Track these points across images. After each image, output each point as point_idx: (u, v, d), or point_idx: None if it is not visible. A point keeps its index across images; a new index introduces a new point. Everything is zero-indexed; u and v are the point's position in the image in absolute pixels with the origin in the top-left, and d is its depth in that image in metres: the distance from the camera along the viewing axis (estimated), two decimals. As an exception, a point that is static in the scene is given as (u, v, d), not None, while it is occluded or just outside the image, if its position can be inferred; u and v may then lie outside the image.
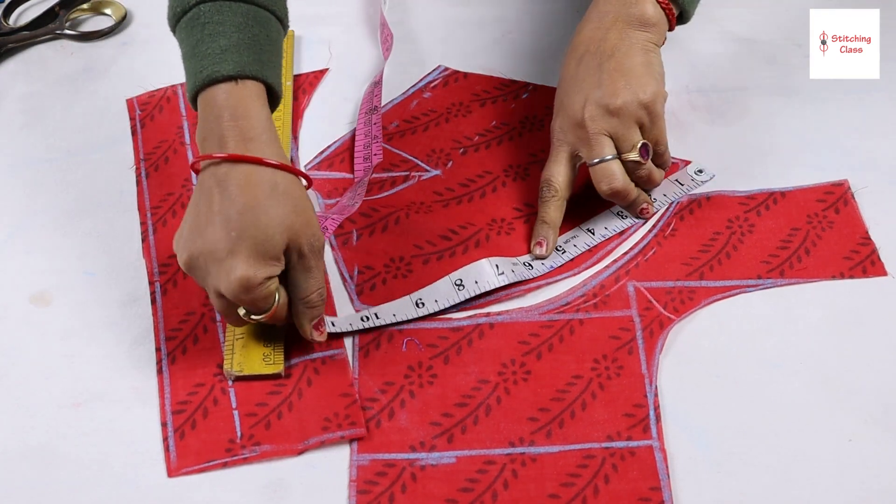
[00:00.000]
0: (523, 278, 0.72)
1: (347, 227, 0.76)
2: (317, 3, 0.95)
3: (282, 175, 0.63)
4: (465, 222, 0.76)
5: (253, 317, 0.64)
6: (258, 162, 0.63)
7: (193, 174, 0.76)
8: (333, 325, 0.68)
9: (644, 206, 0.74)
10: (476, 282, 0.70)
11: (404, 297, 0.70)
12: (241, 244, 0.61)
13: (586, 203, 0.75)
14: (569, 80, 0.74)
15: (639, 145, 0.72)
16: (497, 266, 0.71)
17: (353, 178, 0.79)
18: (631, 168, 0.73)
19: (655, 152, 0.74)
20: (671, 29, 0.75)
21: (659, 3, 0.73)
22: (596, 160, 0.72)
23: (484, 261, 0.72)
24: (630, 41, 0.72)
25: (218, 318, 0.69)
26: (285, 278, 0.65)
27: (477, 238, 0.75)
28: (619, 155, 0.72)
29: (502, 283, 0.71)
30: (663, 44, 0.75)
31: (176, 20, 0.68)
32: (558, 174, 0.74)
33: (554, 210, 0.74)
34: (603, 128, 0.71)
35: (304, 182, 0.66)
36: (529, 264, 0.72)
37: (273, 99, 0.67)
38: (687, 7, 0.74)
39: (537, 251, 0.73)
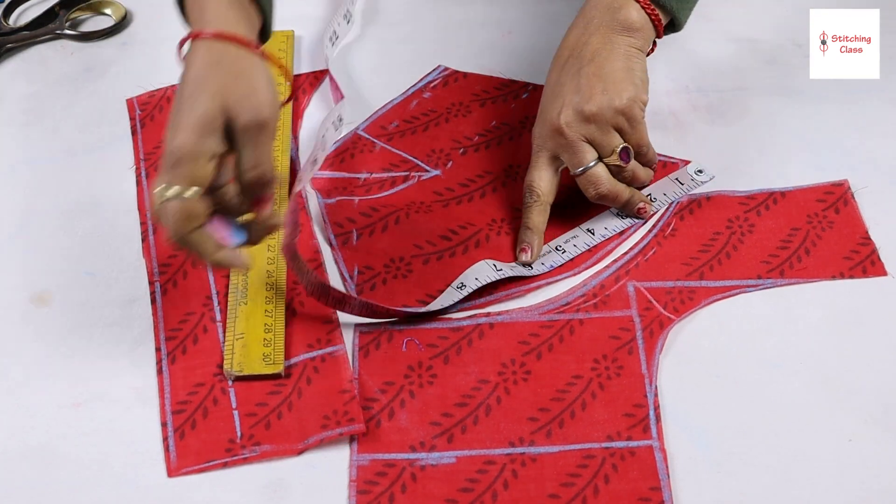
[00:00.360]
0: (523, 275, 0.72)
1: (347, 227, 0.76)
2: (317, 3, 0.95)
3: (234, 49, 0.61)
4: (465, 222, 0.76)
5: (183, 192, 0.58)
6: (199, 36, 0.61)
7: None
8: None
9: (641, 205, 0.74)
10: (476, 278, 0.71)
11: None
12: (180, 115, 0.59)
13: (586, 203, 0.75)
14: (551, 86, 0.75)
15: (619, 150, 0.72)
16: (495, 265, 0.72)
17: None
18: (613, 172, 0.73)
19: (638, 153, 0.74)
20: (659, 36, 0.75)
21: (644, 8, 0.73)
22: (580, 169, 0.72)
23: (482, 262, 0.72)
24: (612, 46, 0.72)
25: (217, 317, 0.69)
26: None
27: (477, 238, 0.75)
28: (601, 159, 0.72)
29: (501, 277, 0.71)
30: (652, 51, 0.75)
31: None
32: (540, 179, 0.74)
33: (537, 215, 0.73)
34: (581, 134, 0.71)
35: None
36: (529, 265, 0.72)
37: (265, 30, 0.66)
38: (677, 15, 0.74)
39: (522, 257, 0.72)
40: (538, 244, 0.73)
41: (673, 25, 0.75)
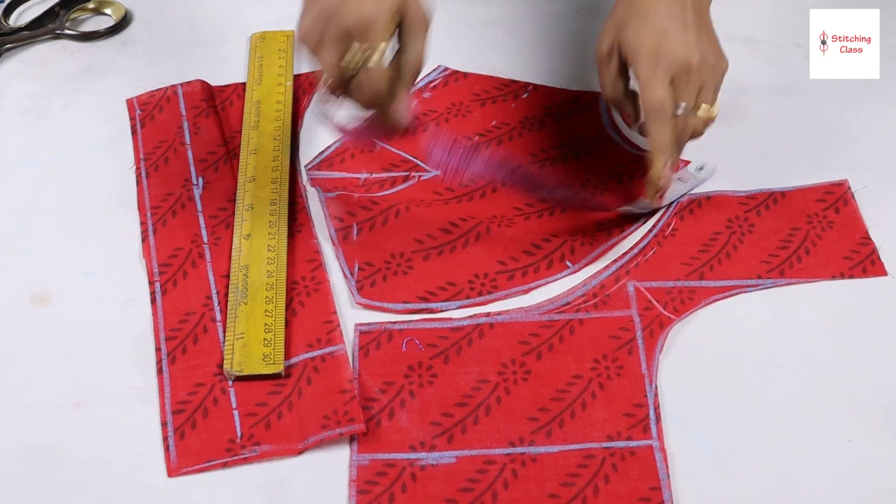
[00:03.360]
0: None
1: (347, 221, 0.76)
2: (317, 3, 0.95)
3: None
4: (466, 215, 0.76)
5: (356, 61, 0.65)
6: None
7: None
8: None
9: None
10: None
11: None
12: None
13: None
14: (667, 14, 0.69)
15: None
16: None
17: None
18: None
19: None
20: None
21: None
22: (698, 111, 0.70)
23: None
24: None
25: (217, 317, 0.69)
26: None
27: (478, 231, 0.74)
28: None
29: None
30: None
31: None
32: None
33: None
34: (705, 80, 0.69)
35: None
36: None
37: None
38: None
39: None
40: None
41: None
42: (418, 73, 0.69)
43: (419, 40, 0.67)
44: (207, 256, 0.73)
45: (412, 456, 0.63)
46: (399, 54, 0.67)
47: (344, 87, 0.67)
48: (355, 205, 0.77)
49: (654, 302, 0.70)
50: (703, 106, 0.70)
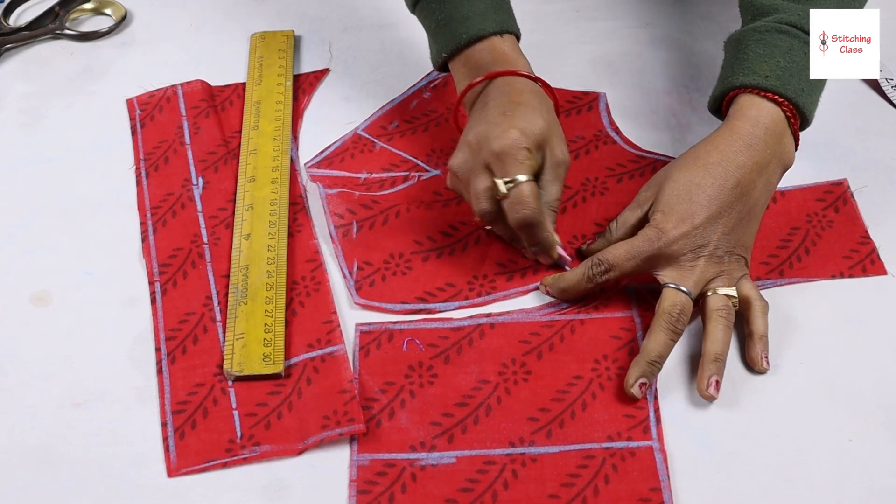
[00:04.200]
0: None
1: (347, 219, 0.76)
2: (317, 3, 0.95)
3: (541, 90, 0.73)
4: (466, 219, 0.76)
5: (506, 187, 0.68)
6: (517, 74, 0.72)
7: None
8: None
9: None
10: None
11: None
12: (512, 119, 0.68)
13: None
14: (705, 195, 0.67)
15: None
16: None
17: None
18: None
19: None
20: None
21: (793, 134, 0.70)
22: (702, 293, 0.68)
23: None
24: (765, 200, 0.70)
25: (217, 317, 0.69)
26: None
27: (477, 234, 0.75)
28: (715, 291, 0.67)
29: None
30: None
31: None
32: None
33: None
34: (703, 266, 0.67)
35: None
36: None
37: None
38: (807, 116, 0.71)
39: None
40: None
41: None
42: (557, 210, 0.71)
43: (558, 182, 0.70)
44: (207, 256, 0.73)
45: (412, 456, 0.63)
46: (541, 192, 0.70)
47: (494, 214, 0.70)
48: (356, 202, 0.77)
49: (655, 302, 0.70)
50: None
